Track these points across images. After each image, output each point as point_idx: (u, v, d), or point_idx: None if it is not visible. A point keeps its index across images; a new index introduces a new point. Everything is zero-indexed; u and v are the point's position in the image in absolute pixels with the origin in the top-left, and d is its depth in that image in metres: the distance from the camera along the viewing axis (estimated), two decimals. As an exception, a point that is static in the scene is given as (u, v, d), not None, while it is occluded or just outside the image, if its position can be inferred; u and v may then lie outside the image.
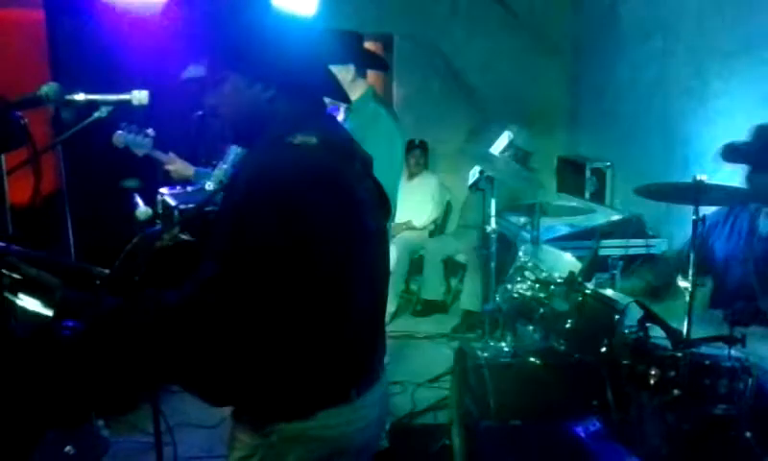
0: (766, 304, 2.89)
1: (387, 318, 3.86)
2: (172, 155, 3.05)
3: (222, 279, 1.43)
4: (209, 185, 2.50)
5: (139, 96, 2.03)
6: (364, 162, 1.73)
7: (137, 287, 1.61)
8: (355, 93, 3.05)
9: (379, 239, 1.72)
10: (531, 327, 3.24)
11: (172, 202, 2.24)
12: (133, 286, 1.61)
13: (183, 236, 1.63)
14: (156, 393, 2.97)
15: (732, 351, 2.72)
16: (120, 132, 2.95)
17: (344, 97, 1.85)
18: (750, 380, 2.68)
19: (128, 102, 2.03)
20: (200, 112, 2.94)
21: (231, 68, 1.59)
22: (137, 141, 2.98)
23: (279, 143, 1.53)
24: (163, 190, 2.38)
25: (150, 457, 3.01)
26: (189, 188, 2.50)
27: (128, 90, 2.06)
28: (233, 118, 1.65)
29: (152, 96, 2.09)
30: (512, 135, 3.83)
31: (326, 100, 1.83)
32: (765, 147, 3.01)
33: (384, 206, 1.78)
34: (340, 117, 3.07)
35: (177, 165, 3.05)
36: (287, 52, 1.59)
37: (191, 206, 2.11)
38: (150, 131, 2.98)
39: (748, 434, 2.77)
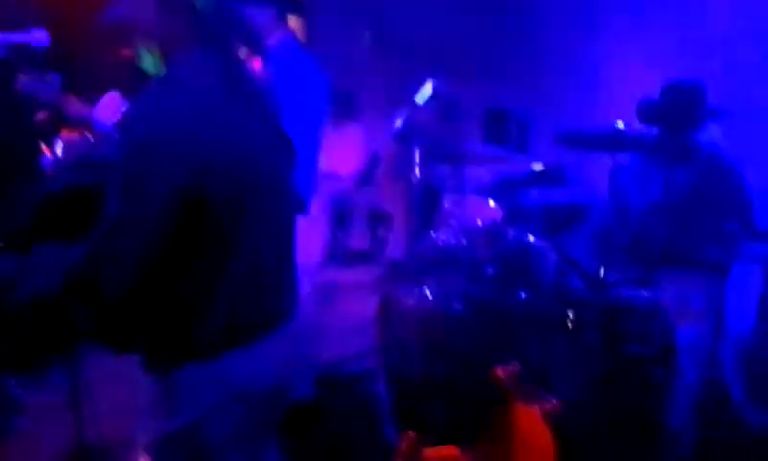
0: (679, 247, 2.99)
1: (313, 268, 3.87)
2: (68, 96, 2.88)
3: (116, 227, 1.41)
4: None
5: (38, 36, 1.90)
6: (269, 109, 1.70)
7: (28, 237, 1.55)
8: (275, 39, 2.96)
9: (281, 187, 1.70)
10: (454, 275, 3.28)
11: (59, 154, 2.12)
12: (24, 236, 1.55)
13: (75, 182, 1.57)
14: (70, 349, 2.88)
15: (645, 293, 2.82)
16: (22, 76, 2.77)
17: (253, 42, 1.82)
18: (660, 320, 2.79)
19: (26, 44, 1.90)
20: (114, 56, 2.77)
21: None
22: (40, 87, 2.81)
23: (178, 81, 1.48)
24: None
25: (67, 414, 2.93)
26: (91, 137, 2.36)
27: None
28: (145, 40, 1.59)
29: (64, 38, 1.96)
30: (436, 85, 3.81)
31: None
32: (675, 107, 3.09)
33: (289, 154, 1.75)
34: (259, 63, 2.98)
35: (76, 107, 2.89)
36: None
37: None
38: (53, 75, 2.82)
39: (659, 372, 2.90)
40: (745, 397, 2.95)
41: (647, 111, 3.13)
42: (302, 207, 2.97)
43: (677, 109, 3.08)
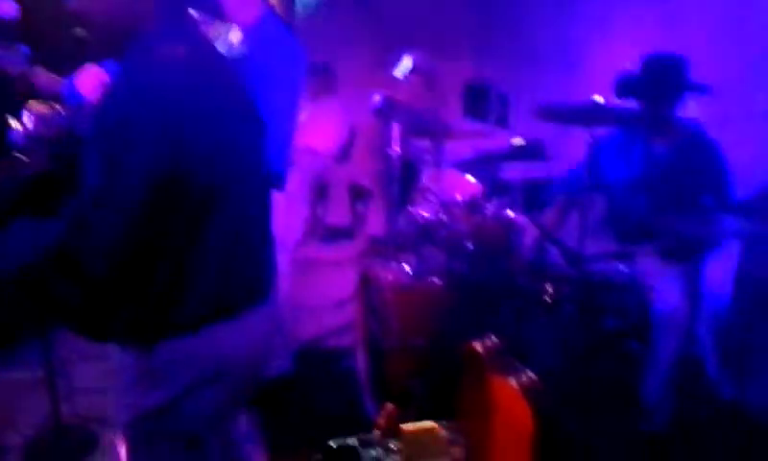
0: (657, 223, 3.00)
1: (292, 244, 3.85)
2: (37, 68, 2.83)
3: (98, 201, 1.39)
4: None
5: (5, 7, 1.85)
6: (238, 82, 1.69)
7: (5, 214, 1.53)
8: (253, 12, 2.91)
9: (254, 160, 1.69)
10: (433, 249, 3.28)
11: (29, 126, 2.10)
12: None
13: (49, 164, 1.56)
14: (44, 326, 2.86)
15: (622, 268, 2.84)
16: None
17: (214, 9, 1.81)
18: (637, 294, 2.81)
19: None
20: (80, 30, 2.71)
21: None
22: (7, 59, 2.75)
23: (147, 55, 1.47)
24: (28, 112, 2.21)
25: (42, 391, 2.91)
26: (59, 108, 2.33)
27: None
28: (105, 25, 1.57)
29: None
30: (415, 59, 3.78)
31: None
32: (654, 80, 3.08)
33: (259, 126, 1.74)
34: (235, 37, 2.93)
35: (43, 79, 2.84)
36: None
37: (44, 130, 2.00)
38: (21, 47, 2.76)
39: (635, 346, 2.93)
40: (719, 372, 2.99)
41: (626, 85, 3.12)
42: (279, 182, 2.94)
43: (657, 83, 3.06)
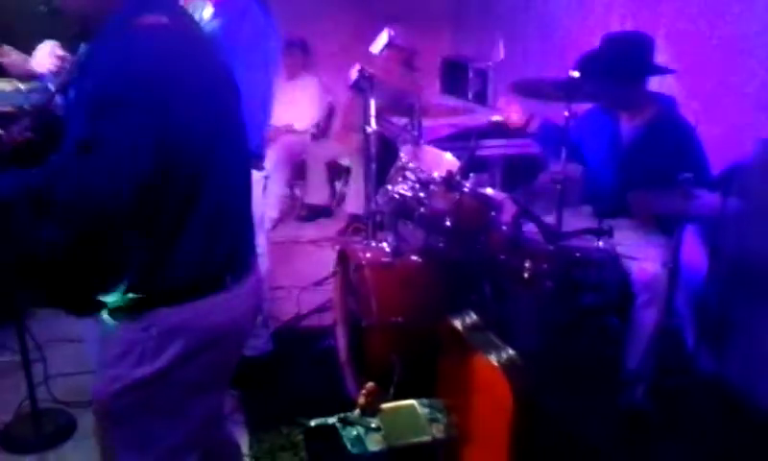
0: (631, 198, 3.00)
1: (269, 224, 3.81)
2: (6, 47, 2.77)
3: (82, 163, 1.38)
4: (51, 87, 2.31)
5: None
6: (217, 55, 1.69)
7: None
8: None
9: (233, 125, 1.69)
10: (412, 227, 3.26)
11: None
12: None
13: (26, 134, 1.54)
14: (21, 309, 2.82)
15: (601, 243, 2.84)
16: None
17: None
18: (616, 270, 2.82)
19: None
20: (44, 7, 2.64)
21: None
22: None
23: (130, 25, 1.45)
24: None
25: (19, 376, 2.88)
26: (22, 86, 2.30)
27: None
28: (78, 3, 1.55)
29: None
30: (391, 33, 3.73)
31: None
32: (614, 60, 3.06)
33: (237, 92, 1.74)
34: (208, 13, 2.88)
35: (12, 58, 2.78)
36: None
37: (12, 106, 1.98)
38: None
39: (614, 321, 2.95)
40: (697, 345, 3.01)
41: (587, 64, 3.10)
42: (257, 161, 2.91)
43: (616, 63, 3.05)
